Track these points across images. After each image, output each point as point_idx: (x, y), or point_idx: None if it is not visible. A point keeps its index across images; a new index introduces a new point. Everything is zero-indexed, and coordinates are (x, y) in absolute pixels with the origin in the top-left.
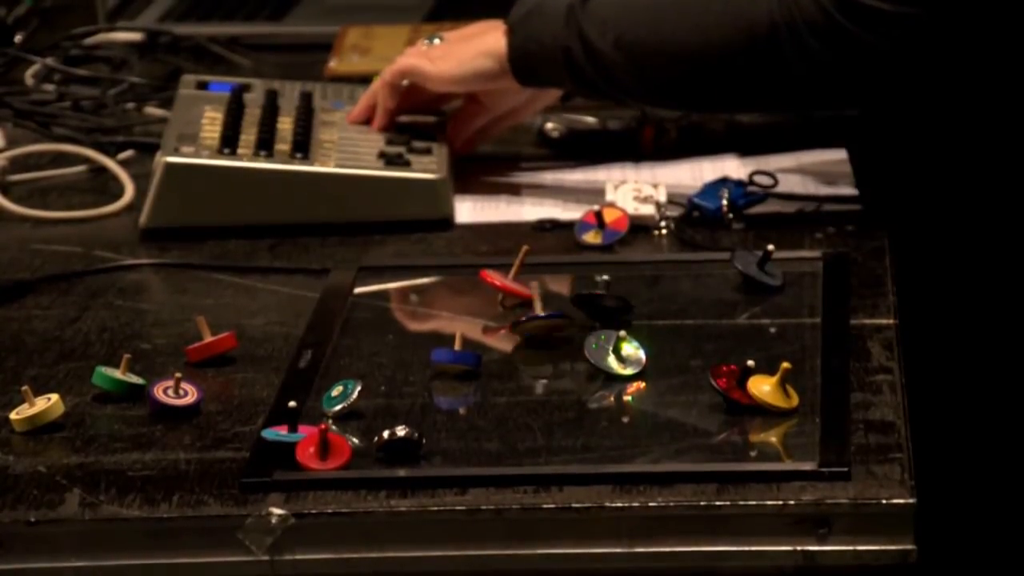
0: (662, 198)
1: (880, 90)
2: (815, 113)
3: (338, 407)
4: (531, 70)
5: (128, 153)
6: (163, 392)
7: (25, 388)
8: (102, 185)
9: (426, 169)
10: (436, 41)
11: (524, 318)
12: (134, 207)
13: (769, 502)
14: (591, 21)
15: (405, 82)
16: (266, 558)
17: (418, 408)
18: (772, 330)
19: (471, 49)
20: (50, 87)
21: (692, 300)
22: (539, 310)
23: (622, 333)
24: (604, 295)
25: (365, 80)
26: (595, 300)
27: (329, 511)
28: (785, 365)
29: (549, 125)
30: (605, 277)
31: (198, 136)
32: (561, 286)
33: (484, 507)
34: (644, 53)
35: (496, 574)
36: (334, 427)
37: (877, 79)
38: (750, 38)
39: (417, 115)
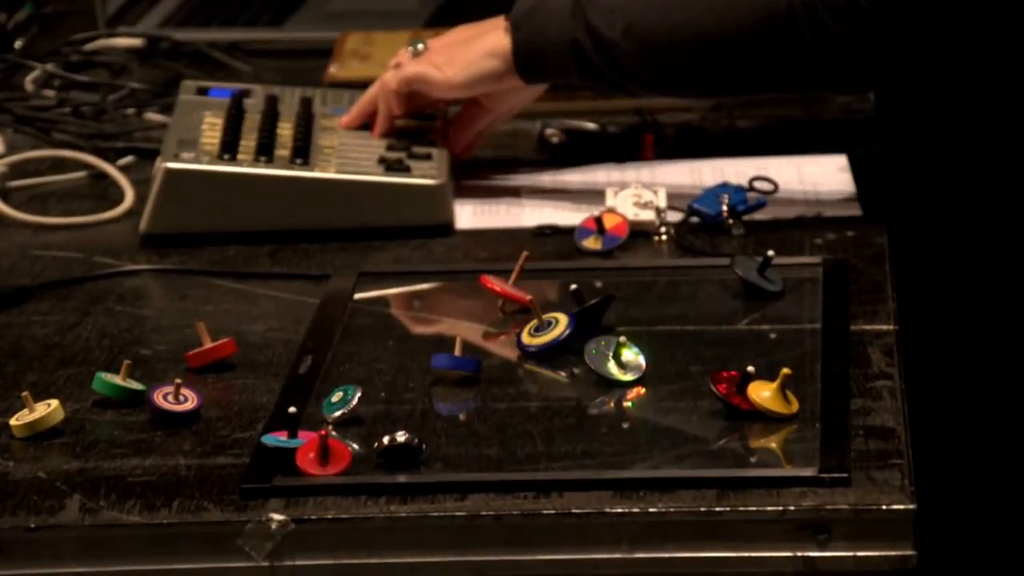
0: (662, 203)
1: (896, 73)
2: (818, 116)
3: (338, 413)
4: (537, 66)
5: (128, 159)
6: (163, 398)
7: (25, 394)
8: (102, 191)
9: (426, 175)
10: (420, 47)
11: (536, 348)
12: (134, 213)
13: (769, 508)
14: (598, 11)
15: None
16: (266, 564)
17: (418, 414)
18: (772, 336)
19: (474, 51)
20: (50, 93)
21: (692, 306)
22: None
23: (622, 339)
24: (583, 295)
25: (365, 86)
26: (578, 297)
27: (329, 517)
28: (785, 371)
29: (549, 131)
30: (599, 284)
31: (198, 142)
32: (560, 292)
33: (484, 513)
34: (656, 40)
35: None
36: (334, 433)
37: (894, 61)
38: (767, 20)
39: (413, 119)
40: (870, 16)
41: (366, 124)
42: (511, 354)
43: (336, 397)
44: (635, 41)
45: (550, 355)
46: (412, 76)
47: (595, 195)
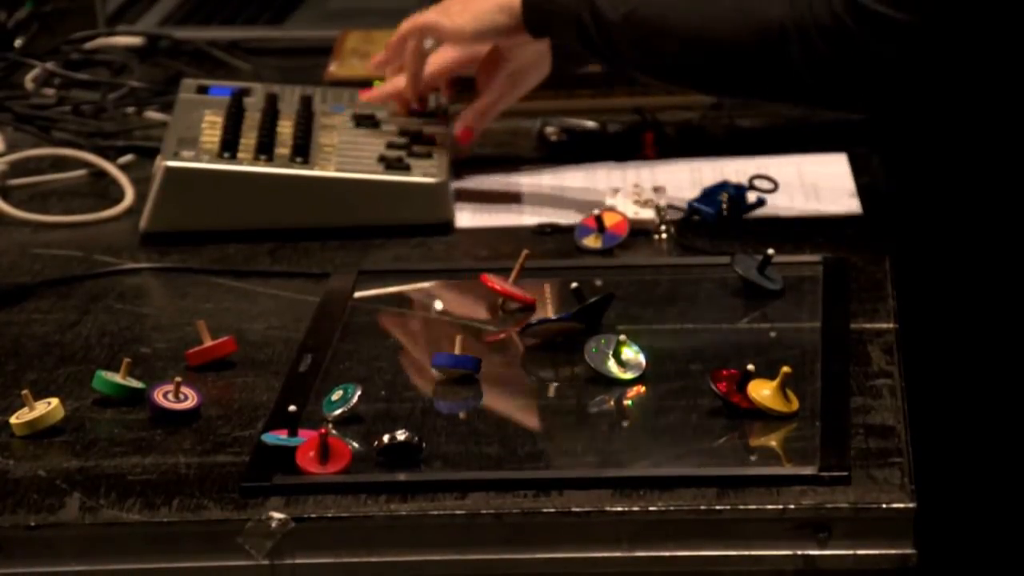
0: (662, 202)
1: (884, 97)
2: (818, 115)
3: (338, 411)
4: (543, 25)
5: (128, 157)
6: (163, 396)
7: (25, 392)
8: (102, 189)
9: (426, 173)
10: (428, 44)
11: (535, 321)
12: (134, 211)
13: (769, 506)
14: None
15: (429, 43)
16: (266, 562)
17: (418, 412)
18: (772, 334)
19: (486, 4)
20: (50, 91)
21: (692, 304)
22: (550, 314)
23: (622, 337)
24: (583, 293)
25: (365, 84)
26: (579, 295)
27: (329, 515)
28: (785, 369)
29: (549, 129)
30: (599, 282)
31: (198, 140)
32: (561, 290)
33: (484, 511)
34: (652, 31)
35: None
36: (334, 431)
37: (882, 86)
38: (759, 35)
39: (414, 117)
40: (860, 42)
41: (366, 123)
42: (511, 353)
43: (336, 395)
44: (633, 28)
45: (549, 345)
46: (423, 24)
47: (595, 193)
